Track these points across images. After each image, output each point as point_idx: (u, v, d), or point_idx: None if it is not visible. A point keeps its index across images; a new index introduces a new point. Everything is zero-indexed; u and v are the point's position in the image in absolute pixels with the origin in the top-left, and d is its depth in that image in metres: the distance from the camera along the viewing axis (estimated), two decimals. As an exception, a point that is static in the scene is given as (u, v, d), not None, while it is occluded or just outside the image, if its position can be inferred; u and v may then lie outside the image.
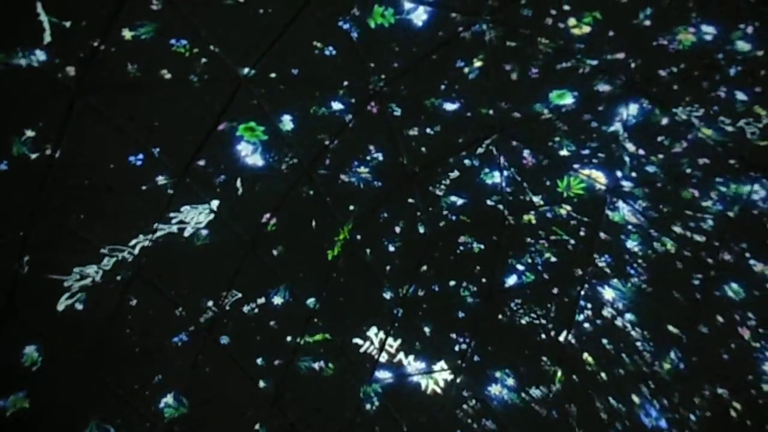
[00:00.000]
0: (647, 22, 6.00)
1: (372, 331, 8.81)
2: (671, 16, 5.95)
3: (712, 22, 5.85)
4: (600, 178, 7.38)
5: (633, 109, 6.81)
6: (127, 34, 5.76)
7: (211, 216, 7.08)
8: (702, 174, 6.98)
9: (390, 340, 8.86)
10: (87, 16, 5.34)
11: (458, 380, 8.99)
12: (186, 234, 6.98)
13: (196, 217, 7.02)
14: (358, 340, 8.81)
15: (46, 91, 5.20)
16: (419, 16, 6.58)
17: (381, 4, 6.37)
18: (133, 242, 6.62)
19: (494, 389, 9.10)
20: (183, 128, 6.25)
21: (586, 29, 6.01)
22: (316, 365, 8.71)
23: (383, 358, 8.88)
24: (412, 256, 8.65)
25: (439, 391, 8.91)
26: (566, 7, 6.11)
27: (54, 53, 5.28)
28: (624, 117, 6.89)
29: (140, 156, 6.31)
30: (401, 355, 8.92)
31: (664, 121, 6.67)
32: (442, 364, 9.05)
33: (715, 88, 6.43)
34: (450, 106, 7.46)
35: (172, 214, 6.84)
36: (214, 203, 7.13)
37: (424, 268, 8.89)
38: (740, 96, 6.15)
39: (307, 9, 5.80)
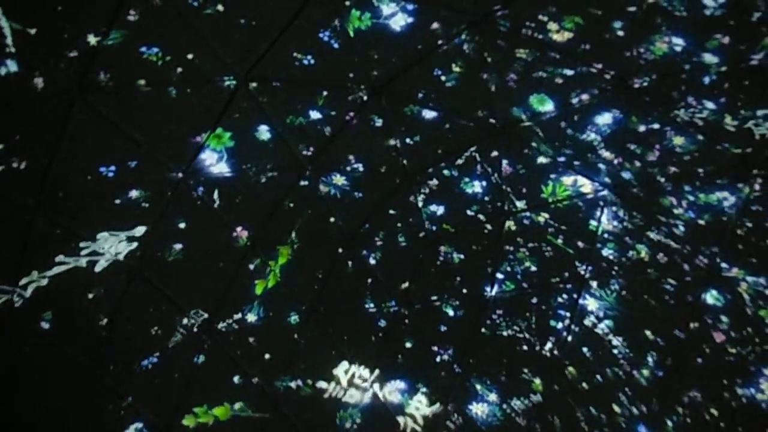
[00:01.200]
0: (621, 33, 6.38)
1: (341, 368, 8.55)
2: (643, 28, 6.35)
3: (681, 34, 6.25)
4: (586, 184, 7.64)
5: (609, 117, 7.17)
6: (92, 40, 5.75)
7: (134, 245, 6.45)
8: (688, 179, 7.29)
9: (363, 373, 8.70)
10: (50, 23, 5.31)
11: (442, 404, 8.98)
12: (99, 269, 6.23)
13: (114, 247, 6.32)
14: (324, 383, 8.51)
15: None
16: (397, 21, 6.76)
17: (359, 9, 6.52)
18: (25, 281, 5.85)
19: (476, 408, 9.15)
20: (164, 135, 6.22)
21: (568, 35, 6.30)
22: (293, 384, 8.64)
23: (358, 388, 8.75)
24: (395, 268, 8.72)
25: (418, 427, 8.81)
26: (544, 18, 6.43)
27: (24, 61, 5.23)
28: (601, 125, 7.25)
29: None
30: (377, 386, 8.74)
31: (642, 127, 7.05)
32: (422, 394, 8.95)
33: (685, 98, 6.84)
34: (429, 114, 7.66)
35: (83, 244, 6.11)
36: (140, 229, 6.56)
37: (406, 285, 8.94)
38: (710, 105, 6.57)
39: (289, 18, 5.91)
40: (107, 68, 5.85)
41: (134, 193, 7.26)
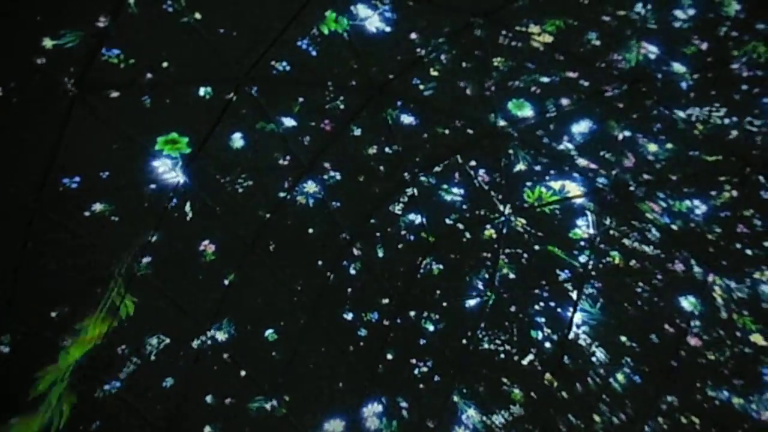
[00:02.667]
0: (597, 42, 6.82)
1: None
2: (616, 39, 6.82)
3: (655, 42, 6.73)
4: (574, 188, 8.00)
5: (585, 125, 7.61)
6: (49, 43, 5.75)
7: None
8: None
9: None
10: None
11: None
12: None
13: None
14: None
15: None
16: (373, 23, 6.97)
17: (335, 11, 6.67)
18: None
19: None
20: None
21: (549, 38, 6.66)
22: (267, 405, 8.64)
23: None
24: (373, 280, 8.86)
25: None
26: (522, 28, 6.81)
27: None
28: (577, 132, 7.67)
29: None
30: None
31: (619, 134, 7.51)
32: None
33: (656, 106, 7.34)
34: (407, 121, 7.91)
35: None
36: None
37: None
38: (681, 114, 7.08)
39: (269, 26, 6.06)
40: (70, 74, 5.89)
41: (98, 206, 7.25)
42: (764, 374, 7.92)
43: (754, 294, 7.81)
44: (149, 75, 6.53)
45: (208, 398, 8.06)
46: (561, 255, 8.55)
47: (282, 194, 7.80)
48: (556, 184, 8.00)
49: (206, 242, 8.16)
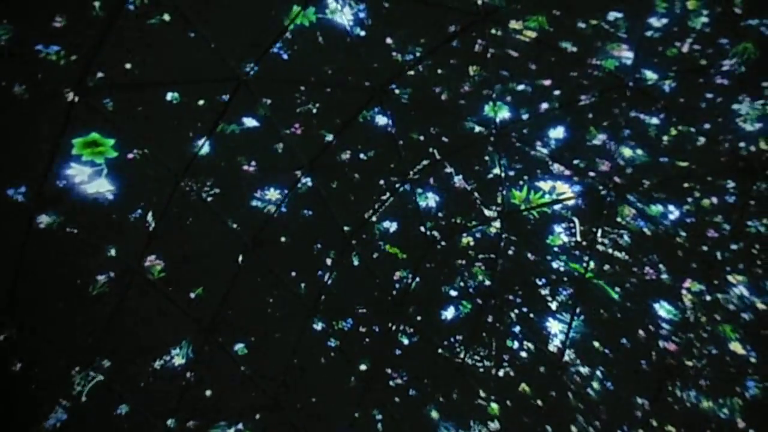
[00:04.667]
0: (574, 49, 7.26)
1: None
2: (593, 45, 7.29)
3: (629, 49, 7.22)
4: (566, 190, 8.37)
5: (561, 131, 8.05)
6: None
7: None
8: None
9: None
10: None
11: None
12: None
13: None
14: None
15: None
16: (345, 16, 7.10)
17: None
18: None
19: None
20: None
21: (532, 34, 7.01)
22: (231, 430, 8.63)
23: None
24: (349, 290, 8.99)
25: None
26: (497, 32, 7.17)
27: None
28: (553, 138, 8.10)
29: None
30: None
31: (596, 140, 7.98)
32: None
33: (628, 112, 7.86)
34: (382, 124, 8.13)
35: None
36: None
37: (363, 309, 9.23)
38: (654, 120, 7.62)
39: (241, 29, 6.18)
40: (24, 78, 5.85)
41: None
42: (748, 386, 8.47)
43: (726, 297, 8.41)
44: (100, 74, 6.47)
45: (170, 422, 7.97)
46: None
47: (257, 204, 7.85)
48: (545, 186, 8.36)
49: (152, 257, 8.08)
